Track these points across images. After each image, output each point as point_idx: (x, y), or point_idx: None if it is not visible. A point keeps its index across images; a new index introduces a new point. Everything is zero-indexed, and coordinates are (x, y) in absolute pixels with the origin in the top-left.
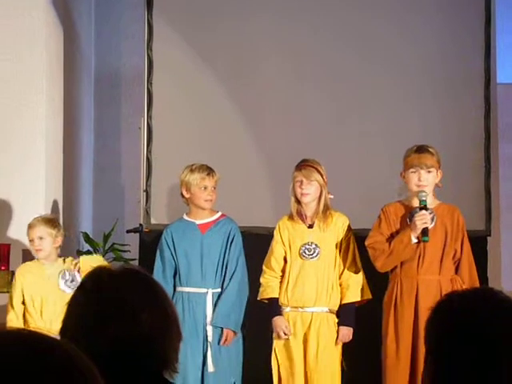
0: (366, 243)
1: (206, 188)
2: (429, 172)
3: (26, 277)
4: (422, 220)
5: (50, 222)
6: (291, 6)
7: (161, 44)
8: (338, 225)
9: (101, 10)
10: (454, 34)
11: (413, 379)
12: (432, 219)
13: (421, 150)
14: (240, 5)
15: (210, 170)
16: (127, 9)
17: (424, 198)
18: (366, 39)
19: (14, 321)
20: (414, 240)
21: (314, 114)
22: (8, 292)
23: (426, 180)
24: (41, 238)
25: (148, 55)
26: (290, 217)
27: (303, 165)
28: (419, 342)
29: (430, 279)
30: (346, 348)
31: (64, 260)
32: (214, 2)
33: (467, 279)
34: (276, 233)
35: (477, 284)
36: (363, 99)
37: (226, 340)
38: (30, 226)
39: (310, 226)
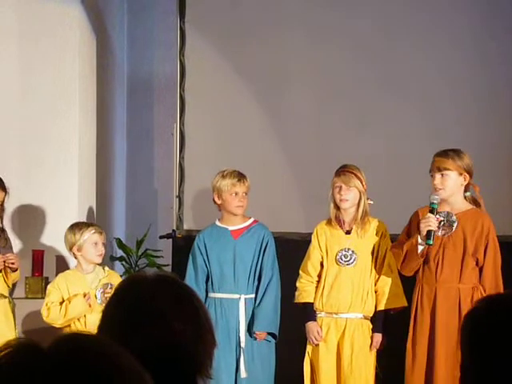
0: (390, 247)
1: (236, 194)
2: (444, 175)
3: (69, 287)
4: (427, 223)
5: (101, 229)
6: (320, 16)
7: (193, 50)
8: (376, 231)
9: (133, 18)
10: (493, 35)
11: (428, 381)
12: (451, 224)
13: (439, 153)
14: (272, 12)
15: (240, 176)
16: (160, 16)
17: (434, 201)
18: (396, 45)
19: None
20: (421, 243)
21: (344, 118)
22: (42, 298)
23: (440, 183)
24: (104, 244)
25: (180, 62)
26: (328, 222)
27: (342, 170)
28: (435, 349)
29: (449, 287)
30: (382, 354)
31: (104, 269)
32: (245, 10)
33: (490, 288)
34: (314, 238)
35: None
36: (391, 103)
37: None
38: (97, 231)
39: (348, 232)
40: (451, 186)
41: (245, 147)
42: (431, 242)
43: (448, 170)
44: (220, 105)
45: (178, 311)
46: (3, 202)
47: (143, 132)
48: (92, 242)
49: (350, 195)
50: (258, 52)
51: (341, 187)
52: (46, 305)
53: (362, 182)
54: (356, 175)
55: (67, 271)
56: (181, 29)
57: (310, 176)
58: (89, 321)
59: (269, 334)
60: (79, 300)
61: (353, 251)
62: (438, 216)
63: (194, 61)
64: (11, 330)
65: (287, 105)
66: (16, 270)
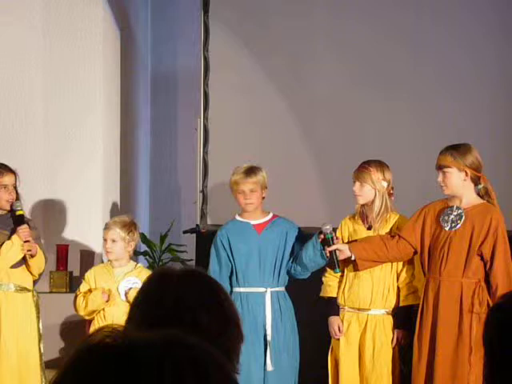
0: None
1: (242, 192)
2: (445, 172)
3: (96, 279)
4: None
5: (126, 226)
6: (347, 7)
7: (217, 45)
8: (396, 227)
9: (157, 13)
10: (509, 34)
11: (429, 378)
12: (458, 219)
13: (442, 150)
14: (296, 4)
15: (247, 173)
16: (183, 10)
17: (327, 232)
18: (421, 41)
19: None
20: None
21: (368, 113)
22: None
23: (442, 181)
24: (113, 241)
25: (204, 56)
26: (352, 217)
27: (359, 166)
28: (436, 343)
29: (452, 281)
30: (407, 350)
31: (136, 265)
32: (269, 2)
33: (503, 282)
34: (338, 232)
35: None
36: (416, 99)
37: None
38: (106, 227)
39: (370, 228)
40: (453, 182)
41: (268, 142)
42: (338, 271)
43: (448, 167)
44: (243, 99)
45: (204, 306)
46: (15, 184)
47: (167, 127)
48: (104, 239)
49: (363, 191)
50: (281, 46)
51: (355, 183)
52: (76, 294)
53: (380, 179)
54: (371, 172)
55: (100, 264)
56: (205, 24)
57: (334, 170)
58: (108, 314)
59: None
60: (97, 294)
61: None
62: (333, 243)
63: (218, 56)
64: (34, 323)
65: (311, 99)
66: (34, 255)
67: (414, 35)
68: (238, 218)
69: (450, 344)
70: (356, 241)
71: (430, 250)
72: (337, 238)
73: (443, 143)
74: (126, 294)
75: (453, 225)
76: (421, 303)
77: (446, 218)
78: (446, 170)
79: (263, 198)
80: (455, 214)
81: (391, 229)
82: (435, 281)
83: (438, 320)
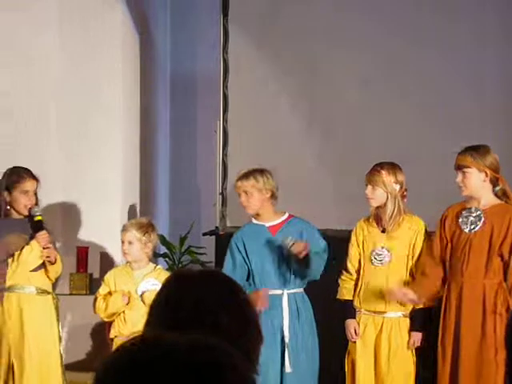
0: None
1: (240, 195)
2: (465, 173)
3: (115, 281)
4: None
5: (143, 227)
6: (364, 6)
7: (236, 48)
8: (412, 229)
9: (176, 16)
10: None
11: (454, 379)
12: (477, 220)
13: (461, 151)
14: (314, 6)
15: (242, 177)
16: (202, 13)
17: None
18: (436, 40)
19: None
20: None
21: (386, 113)
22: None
23: (461, 181)
24: (130, 243)
25: (224, 59)
26: (367, 219)
27: (371, 169)
28: (460, 344)
29: (474, 282)
30: (423, 352)
31: (155, 267)
32: (288, 6)
33: None
34: (353, 235)
35: None
36: (433, 99)
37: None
38: (123, 229)
39: (384, 231)
40: (472, 183)
41: (287, 144)
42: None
43: (468, 167)
44: (262, 102)
45: (224, 307)
46: (36, 190)
47: (186, 129)
48: (121, 241)
49: (375, 194)
50: (300, 49)
51: (367, 186)
52: (96, 296)
53: (392, 181)
54: (383, 174)
55: (120, 266)
56: (224, 27)
57: (351, 172)
58: (128, 316)
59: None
60: (118, 297)
61: (387, 249)
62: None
63: (237, 58)
64: (54, 326)
65: (328, 100)
66: (54, 263)
67: (429, 34)
68: (253, 220)
69: (474, 345)
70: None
71: (450, 253)
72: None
73: (459, 144)
74: (141, 295)
75: (472, 226)
76: (443, 305)
77: (465, 219)
78: (465, 170)
79: (274, 199)
80: (474, 215)
81: (410, 232)
82: (457, 283)
83: (461, 321)
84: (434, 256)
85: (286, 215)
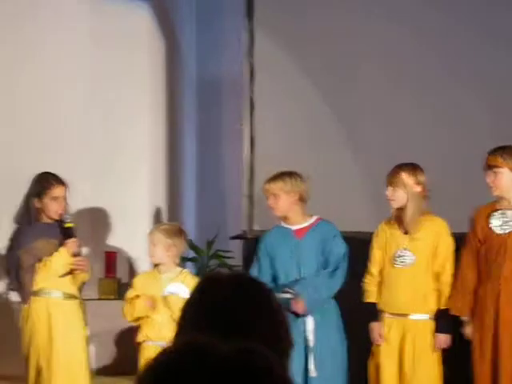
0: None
1: (268, 197)
2: (496, 173)
3: (143, 285)
4: None
5: (167, 231)
6: (392, 13)
7: (261, 50)
8: (434, 229)
9: (201, 19)
10: None
11: (494, 381)
12: (509, 223)
13: (490, 151)
14: (340, 9)
15: (270, 179)
16: (228, 16)
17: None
18: (461, 46)
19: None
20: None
21: (411, 116)
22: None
23: (491, 181)
24: (154, 245)
25: (249, 62)
26: (389, 221)
27: (391, 170)
28: (500, 344)
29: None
30: (449, 354)
31: (181, 271)
32: (314, 9)
33: None
34: (374, 237)
35: None
36: (461, 101)
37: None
38: (150, 231)
39: (406, 232)
40: (503, 183)
41: (313, 146)
42: None
43: (499, 167)
44: (288, 105)
45: (255, 310)
46: (66, 196)
47: (212, 133)
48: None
49: (395, 195)
50: (326, 51)
51: (388, 187)
52: (125, 300)
53: (412, 183)
54: (403, 176)
55: (148, 270)
56: (249, 30)
57: (378, 174)
58: (154, 320)
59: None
60: (142, 301)
61: (410, 251)
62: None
63: (263, 61)
64: (81, 330)
65: (355, 104)
66: (86, 271)
67: (452, 37)
68: (281, 223)
69: None
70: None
71: (484, 255)
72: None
73: (486, 146)
74: (166, 299)
75: (504, 227)
76: (477, 306)
77: (497, 221)
78: (496, 170)
79: (303, 202)
80: (505, 216)
81: (432, 233)
82: (494, 285)
83: (499, 323)
84: (473, 266)
85: (314, 219)
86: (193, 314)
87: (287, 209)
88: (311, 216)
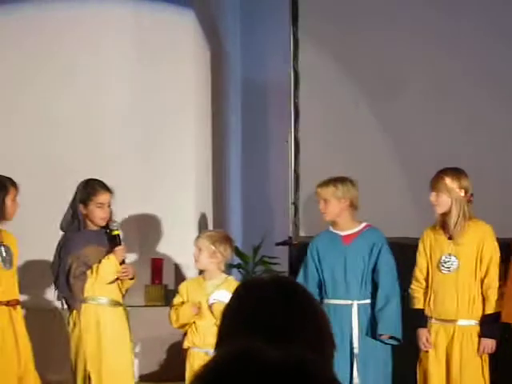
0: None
1: (319, 202)
2: None
3: (188, 292)
4: None
5: (212, 237)
6: (435, 21)
7: (306, 57)
8: (478, 234)
9: (246, 26)
10: None
11: None
12: None
13: None
14: (386, 18)
15: (324, 183)
16: (272, 23)
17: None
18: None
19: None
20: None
21: (455, 124)
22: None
23: None
24: (199, 250)
25: (294, 68)
26: (434, 227)
27: (435, 175)
28: None
29: None
30: (497, 359)
31: (226, 278)
32: (359, 15)
33: None
34: (420, 243)
35: None
36: (503, 107)
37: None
38: (197, 236)
39: (451, 237)
40: None
41: (359, 152)
42: None
43: None
44: (334, 111)
45: (294, 313)
46: (110, 203)
47: (257, 139)
48: None
49: (439, 200)
50: (371, 58)
51: (432, 193)
52: (171, 307)
53: (456, 187)
54: (446, 181)
55: (194, 277)
56: (294, 36)
57: (424, 180)
58: (199, 327)
59: (391, 337)
60: (187, 308)
61: (455, 256)
62: None
63: (308, 67)
64: (126, 337)
65: (402, 109)
66: (132, 278)
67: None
68: (330, 228)
69: None
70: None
71: None
72: None
73: None
74: (211, 306)
75: None
76: None
77: None
78: None
79: (353, 209)
80: None
81: (476, 237)
82: None
83: None
84: None
85: (363, 225)
86: (233, 320)
87: (337, 214)
88: (360, 222)
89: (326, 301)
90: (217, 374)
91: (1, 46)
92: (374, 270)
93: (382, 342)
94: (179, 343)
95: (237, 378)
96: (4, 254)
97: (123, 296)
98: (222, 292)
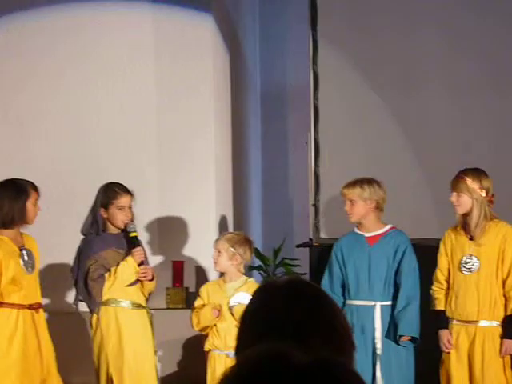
0: None
1: (345, 202)
2: None
3: (209, 294)
4: None
5: (231, 239)
6: (454, 20)
7: (325, 59)
8: (500, 234)
9: (265, 28)
10: None
11: None
12: None
13: None
14: (404, 20)
15: (351, 184)
16: (291, 25)
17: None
18: None
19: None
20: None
21: (476, 124)
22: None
23: None
24: (219, 252)
25: (313, 70)
26: (455, 228)
27: (455, 176)
28: None
29: None
30: None
31: (246, 280)
32: (378, 17)
33: None
34: (441, 244)
35: None
36: None
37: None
38: (216, 238)
39: (472, 238)
40: None
41: (379, 153)
42: None
43: None
44: (353, 113)
45: (312, 316)
46: (131, 205)
47: (277, 142)
48: None
49: (460, 201)
50: (390, 59)
51: (453, 193)
52: (192, 309)
53: (477, 188)
54: (467, 181)
55: (214, 280)
56: (313, 38)
57: (445, 181)
58: (220, 329)
59: (410, 339)
60: (207, 311)
61: (476, 257)
62: None
63: (327, 69)
64: (149, 340)
65: (422, 110)
66: (151, 279)
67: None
68: (355, 230)
69: None
70: None
71: None
72: None
73: None
74: (231, 308)
75: None
76: None
77: None
78: None
79: (379, 210)
80: None
81: (498, 238)
82: None
83: None
84: None
85: (388, 227)
86: (252, 322)
87: (363, 216)
88: (385, 224)
89: (349, 301)
90: (246, 375)
91: (33, 50)
92: (397, 272)
93: (397, 343)
94: (200, 346)
95: (266, 380)
96: (26, 258)
97: (147, 299)
98: (242, 294)
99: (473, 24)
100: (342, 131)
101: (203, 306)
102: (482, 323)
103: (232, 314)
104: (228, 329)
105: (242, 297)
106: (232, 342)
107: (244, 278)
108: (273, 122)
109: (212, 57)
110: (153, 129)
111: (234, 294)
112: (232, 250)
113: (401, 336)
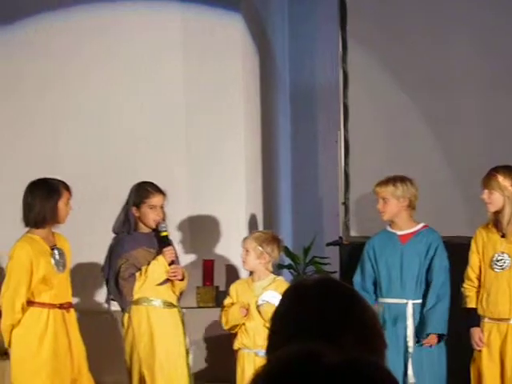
0: None
1: (378, 200)
2: None
3: (238, 293)
4: None
5: (259, 238)
6: (483, 20)
7: (355, 57)
8: None
9: (294, 27)
10: None
11: None
12: None
13: None
14: (433, 20)
15: (384, 182)
16: (320, 24)
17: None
18: None
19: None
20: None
21: (506, 122)
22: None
23: None
24: (247, 251)
25: (343, 69)
26: (487, 225)
27: (487, 174)
28: None
29: None
30: None
31: (274, 279)
32: (407, 16)
33: None
34: (472, 242)
35: None
36: None
37: (428, 344)
38: (243, 239)
39: (503, 235)
40: None
41: (408, 151)
42: None
43: None
44: (383, 111)
45: (343, 316)
46: (163, 205)
47: (307, 140)
48: None
49: (492, 198)
50: (419, 59)
51: (484, 191)
52: (222, 308)
53: (509, 185)
54: (499, 178)
55: (243, 278)
56: (342, 37)
57: (476, 178)
58: (249, 328)
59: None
60: (236, 309)
61: (507, 255)
62: None
63: (357, 67)
64: (181, 338)
65: (450, 110)
66: (182, 279)
67: None
68: (387, 228)
69: None
70: None
71: None
72: None
73: None
74: (259, 307)
75: None
76: None
77: None
78: None
79: (411, 208)
80: None
81: None
82: None
83: None
84: None
85: (420, 225)
86: (282, 323)
87: (395, 214)
88: (418, 223)
89: (381, 299)
90: (277, 374)
91: (62, 50)
92: (429, 270)
93: (418, 342)
94: (230, 344)
95: (297, 379)
96: (58, 257)
97: (178, 298)
98: (270, 293)
99: (503, 24)
100: (372, 130)
101: (232, 304)
102: None
103: (260, 313)
104: (256, 328)
105: (271, 295)
106: (261, 340)
107: (272, 276)
108: (302, 122)
109: (241, 57)
110: (183, 129)
111: (262, 292)
112: (260, 248)
113: (428, 334)
